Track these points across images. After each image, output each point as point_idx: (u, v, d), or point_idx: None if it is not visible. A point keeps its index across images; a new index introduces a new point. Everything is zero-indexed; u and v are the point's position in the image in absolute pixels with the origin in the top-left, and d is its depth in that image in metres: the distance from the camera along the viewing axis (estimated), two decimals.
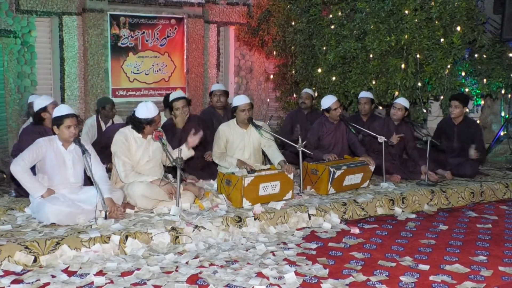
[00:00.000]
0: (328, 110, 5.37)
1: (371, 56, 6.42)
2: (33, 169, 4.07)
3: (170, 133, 4.94)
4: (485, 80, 6.50)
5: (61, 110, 4.06)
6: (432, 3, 6.08)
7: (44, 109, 4.63)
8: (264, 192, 4.52)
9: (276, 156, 4.99)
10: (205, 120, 5.67)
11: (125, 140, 4.36)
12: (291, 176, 4.69)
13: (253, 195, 4.46)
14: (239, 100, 5.02)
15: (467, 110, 6.14)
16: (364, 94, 6.17)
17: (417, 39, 6.10)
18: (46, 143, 4.04)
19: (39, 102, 4.70)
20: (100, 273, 3.27)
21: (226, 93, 6.03)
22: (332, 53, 6.61)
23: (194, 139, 4.48)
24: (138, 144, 4.42)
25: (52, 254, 3.42)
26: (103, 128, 5.94)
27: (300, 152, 4.91)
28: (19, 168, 3.93)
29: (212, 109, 6.09)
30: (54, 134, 4.11)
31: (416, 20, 6.06)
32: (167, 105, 5.47)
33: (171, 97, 5.19)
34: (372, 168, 5.19)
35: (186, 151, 4.44)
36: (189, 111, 5.22)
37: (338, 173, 4.89)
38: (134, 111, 4.39)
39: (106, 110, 5.89)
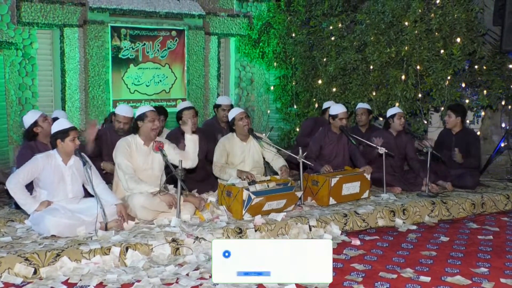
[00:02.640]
0: (334, 117, 5.41)
1: (371, 67, 6.47)
2: (30, 183, 4.09)
3: (177, 141, 5.08)
4: (485, 91, 6.53)
5: (63, 123, 4.10)
6: (432, 15, 6.14)
7: (35, 123, 4.61)
8: (268, 207, 4.54)
9: (279, 163, 5.10)
10: (208, 132, 5.69)
11: (127, 147, 4.43)
12: (299, 194, 4.73)
13: (257, 211, 4.48)
14: (234, 112, 5.09)
15: (468, 121, 6.15)
16: (360, 105, 6.20)
17: (417, 50, 6.15)
18: (44, 160, 4.04)
19: (27, 118, 4.66)
20: (100, 285, 3.27)
21: (232, 107, 6.06)
22: (333, 64, 6.67)
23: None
24: (139, 152, 4.47)
25: (52, 266, 3.43)
26: None
27: (301, 164, 4.92)
28: (12, 186, 3.98)
29: (216, 121, 6.11)
30: (52, 148, 4.12)
31: (416, 32, 6.12)
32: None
33: (180, 107, 5.32)
34: (367, 176, 5.19)
35: (189, 137, 4.60)
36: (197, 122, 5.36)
37: (334, 181, 4.91)
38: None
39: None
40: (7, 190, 4.12)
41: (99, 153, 5.14)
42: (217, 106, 6.09)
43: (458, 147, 5.74)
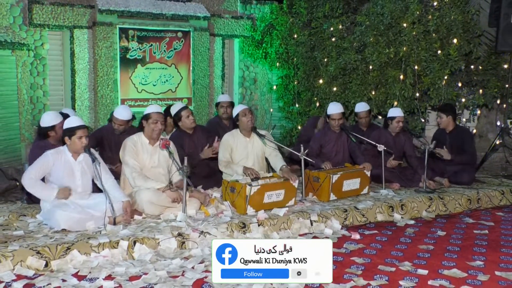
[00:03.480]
0: (329, 117, 5.53)
1: (370, 67, 6.50)
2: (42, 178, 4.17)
3: (181, 140, 5.21)
4: (480, 90, 6.56)
5: (72, 121, 4.15)
6: (430, 17, 6.16)
7: (52, 128, 4.65)
8: (268, 199, 4.60)
9: (278, 162, 5.09)
10: (211, 130, 5.80)
11: (133, 146, 4.50)
12: (295, 184, 4.77)
13: (257, 203, 4.54)
14: (238, 108, 5.16)
15: (464, 119, 6.19)
16: (362, 108, 6.13)
17: (415, 51, 6.18)
18: (54, 156, 4.11)
19: (48, 119, 4.69)
20: (109, 277, 3.33)
21: (232, 104, 6.14)
22: (333, 64, 6.71)
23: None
24: (145, 150, 4.55)
25: (63, 259, 3.49)
26: None
27: (302, 160, 4.97)
28: (27, 182, 4.05)
29: (218, 119, 6.19)
30: (62, 145, 4.21)
31: (414, 33, 6.15)
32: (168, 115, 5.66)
33: (176, 108, 5.38)
34: (367, 172, 5.26)
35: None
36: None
37: (335, 177, 4.98)
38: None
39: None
40: (23, 187, 4.19)
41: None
42: (217, 104, 6.20)
43: (453, 145, 5.79)
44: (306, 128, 6.74)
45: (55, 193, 4.07)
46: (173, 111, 5.42)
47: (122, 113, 5.36)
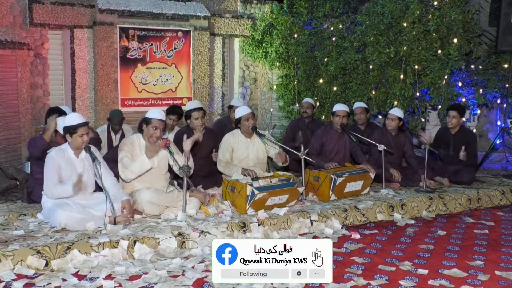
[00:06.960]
0: (333, 114, 5.56)
1: (371, 67, 6.53)
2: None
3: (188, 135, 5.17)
4: (481, 90, 6.60)
5: (74, 119, 4.12)
6: (430, 16, 6.20)
7: (56, 132, 4.57)
8: (271, 202, 4.61)
9: (275, 150, 5.17)
10: (219, 130, 5.79)
11: (131, 145, 4.49)
12: (301, 189, 4.79)
13: (260, 206, 4.55)
14: (242, 111, 5.16)
15: (464, 119, 6.20)
16: (358, 105, 6.21)
17: (415, 50, 6.22)
18: (58, 155, 4.10)
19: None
20: (109, 277, 3.34)
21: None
22: (333, 64, 6.74)
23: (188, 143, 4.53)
24: (142, 152, 4.49)
25: (63, 258, 3.50)
26: (113, 137, 6.12)
27: (303, 160, 4.98)
28: (50, 194, 4.04)
29: (228, 121, 6.20)
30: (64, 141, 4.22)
31: (414, 33, 6.19)
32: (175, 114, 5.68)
33: (189, 107, 5.33)
34: (372, 175, 5.28)
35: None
36: (205, 122, 5.40)
37: (339, 180, 4.97)
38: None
39: (113, 123, 6.08)
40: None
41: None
42: (230, 107, 6.19)
43: (456, 145, 5.82)
44: (290, 128, 6.72)
45: (71, 189, 4.03)
46: (188, 107, 5.37)
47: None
